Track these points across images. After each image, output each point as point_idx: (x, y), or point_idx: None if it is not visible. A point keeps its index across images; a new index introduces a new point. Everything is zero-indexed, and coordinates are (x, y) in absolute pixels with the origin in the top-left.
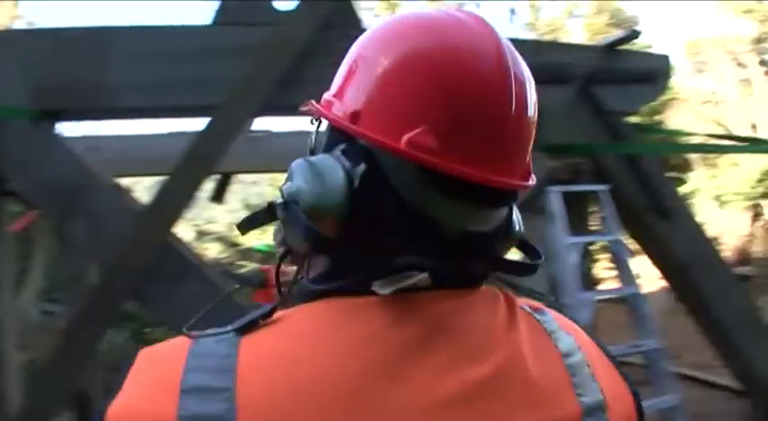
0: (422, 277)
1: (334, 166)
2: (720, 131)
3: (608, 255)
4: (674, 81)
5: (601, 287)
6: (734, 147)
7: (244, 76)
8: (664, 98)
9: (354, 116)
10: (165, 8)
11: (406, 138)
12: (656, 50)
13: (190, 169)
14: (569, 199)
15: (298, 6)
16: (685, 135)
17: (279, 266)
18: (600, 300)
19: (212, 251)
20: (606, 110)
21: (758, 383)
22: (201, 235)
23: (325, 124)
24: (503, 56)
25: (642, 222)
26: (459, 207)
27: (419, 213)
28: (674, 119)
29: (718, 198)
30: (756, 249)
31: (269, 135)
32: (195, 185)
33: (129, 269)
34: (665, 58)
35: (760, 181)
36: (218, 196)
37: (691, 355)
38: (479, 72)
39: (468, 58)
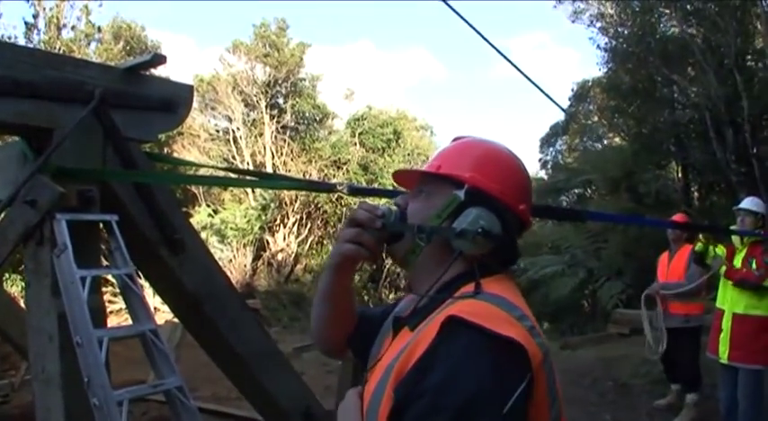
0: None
1: (492, 214)
2: (225, 165)
3: (112, 289)
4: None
5: (110, 321)
6: (247, 181)
7: None
8: (171, 131)
9: (501, 193)
10: None
11: (522, 207)
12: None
13: None
14: (78, 228)
15: None
16: (196, 166)
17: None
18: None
19: None
20: (121, 135)
21: (284, 416)
22: None
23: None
24: None
25: (152, 255)
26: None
27: (514, 240)
28: (180, 153)
29: (220, 232)
30: (260, 283)
31: None
32: None
33: None
34: (188, 87)
35: (259, 217)
36: None
37: (204, 388)
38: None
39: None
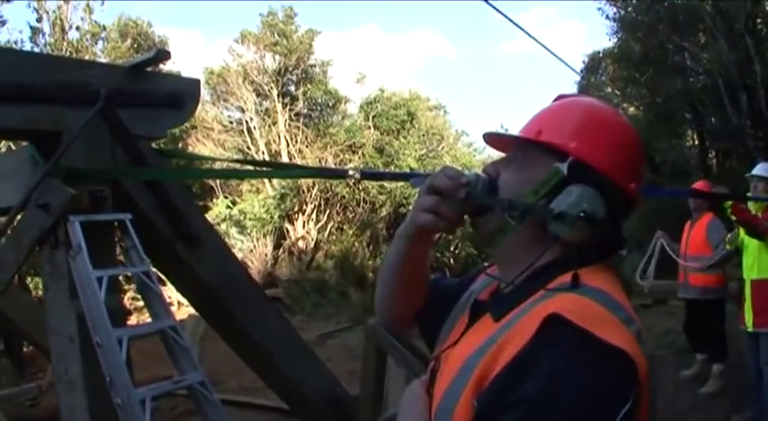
0: (624, 253)
1: (597, 194)
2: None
3: (134, 286)
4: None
5: (131, 319)
6: (259, 172)
7: None
8: (185, 125)
9: (610, 169)
10: None
11: (633, 186)
12: (180, 74)
13: None
14: (92, 229)
15: None
16: (210, 160)
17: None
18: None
19: None
20: (130, 133)
21: (310, 404)
22: None
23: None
24: None
25: (169, 251)
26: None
27: (620, 224)
28: (195, 146)
29: (239, 223)
30: (282, 271)
31: None
32: None
33: None
34: (195, 81)
35: (278, 206)
36: None
37: (230, 380)
38: None
39: None
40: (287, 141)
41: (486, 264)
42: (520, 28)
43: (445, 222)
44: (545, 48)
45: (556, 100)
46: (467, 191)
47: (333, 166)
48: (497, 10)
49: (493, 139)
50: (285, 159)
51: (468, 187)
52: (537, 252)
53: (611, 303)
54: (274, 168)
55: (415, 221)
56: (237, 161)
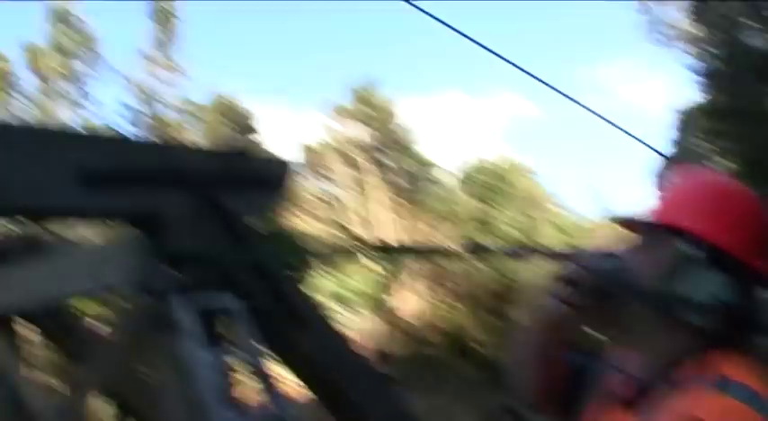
0: None
1: (725, 276)
2: (338, 231)
3: (249, 370)
4: (295, 184)
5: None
6: (366, 254)
7: None
8: (285, 202)
9: (735, 248)
10: None
11: (759, 263)
12: (273, 152)
13: None
14: (200, 311)
15: None
16: (312, 251)
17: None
18: None
19: None
20: (231, 215)
21: None
22: None
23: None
24: None
25: (277, 333)
26: None
27: (750, 305)
28: (292, 221)
29: (345, 300)
30: (392, 349)
31: None
32: None
33: None
34: (286, 163)
35: (383, 281)
36: None
37: None
38: None
39: None
40: (382, 213)
41: (610, 342)
42: (574, 101)
43: (574, 309)
44: (604, 119)
45: (678, 177)
46: (596, 278)
47: (428, 236)
48: (546, 84)
49: (622, 222)
50: (381, 230)
51: (597, 274)
52: (666, 338)
53: (755, 401)
54: (382, 251)
55: (546, 309)
56: (342, 250)
